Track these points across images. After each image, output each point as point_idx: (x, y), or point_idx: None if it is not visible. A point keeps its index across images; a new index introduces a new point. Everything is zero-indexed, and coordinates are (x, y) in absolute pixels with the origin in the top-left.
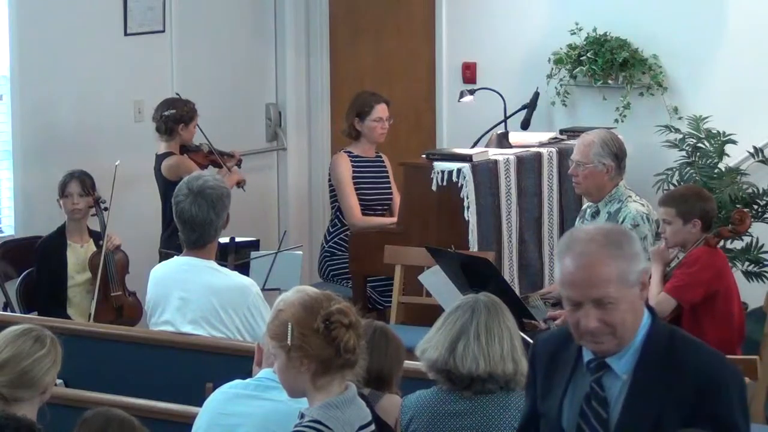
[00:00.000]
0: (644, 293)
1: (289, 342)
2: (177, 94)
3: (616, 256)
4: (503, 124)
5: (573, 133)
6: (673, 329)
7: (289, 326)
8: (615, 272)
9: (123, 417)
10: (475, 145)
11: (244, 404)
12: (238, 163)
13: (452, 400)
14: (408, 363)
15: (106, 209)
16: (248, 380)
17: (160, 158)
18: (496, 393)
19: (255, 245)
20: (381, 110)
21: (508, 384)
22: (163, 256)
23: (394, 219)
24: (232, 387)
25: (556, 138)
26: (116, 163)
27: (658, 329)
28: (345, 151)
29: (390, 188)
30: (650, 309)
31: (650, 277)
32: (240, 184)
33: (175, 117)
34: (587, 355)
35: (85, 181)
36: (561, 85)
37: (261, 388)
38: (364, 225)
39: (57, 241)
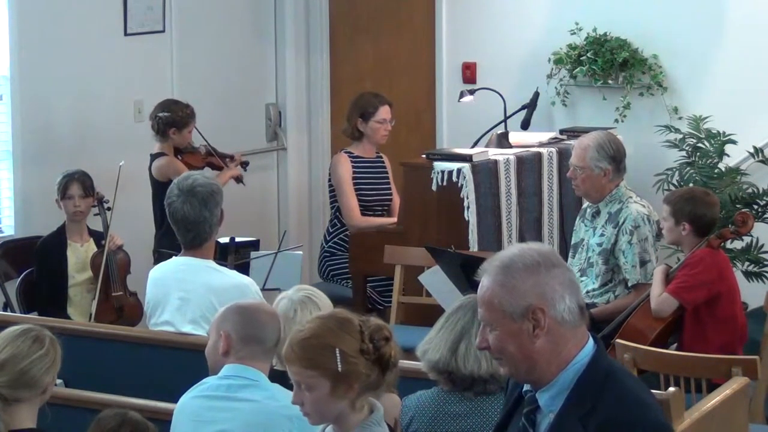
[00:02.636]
0: (541, 332)
1: (339, 368)
2: (169, 102)
3: (501, 284)
4: (503, 124)
5: (573, 133)
6: (612, 372)
7: (337, 352)
8: (495, 299)
9: (138, 420)
10: (475, 145)
11: (221, 409)
12: (243, 165)
13: (453, 401)
14: (408, 363)
15: (109, 209)
16: (216, 380)
17: (152, 158)
18: (497, 394)
19: (255, 245)
20: (384, 112)
21: None
22: (158, 256)
23: (394, 219)
24: (204, 390)
25: (556, 138)
26: (120, 164)
27: (594, 369)
28: (345, 152)
29: (390, 189)
30: (596, 343)
31: (552, 317)
32: (238, 179)
33: (167, 120)
34: (526, 385)
35: (85, 181)
36: (561, 85)
37: (233, 388)
38: (364, 226)
39: (57, 240)
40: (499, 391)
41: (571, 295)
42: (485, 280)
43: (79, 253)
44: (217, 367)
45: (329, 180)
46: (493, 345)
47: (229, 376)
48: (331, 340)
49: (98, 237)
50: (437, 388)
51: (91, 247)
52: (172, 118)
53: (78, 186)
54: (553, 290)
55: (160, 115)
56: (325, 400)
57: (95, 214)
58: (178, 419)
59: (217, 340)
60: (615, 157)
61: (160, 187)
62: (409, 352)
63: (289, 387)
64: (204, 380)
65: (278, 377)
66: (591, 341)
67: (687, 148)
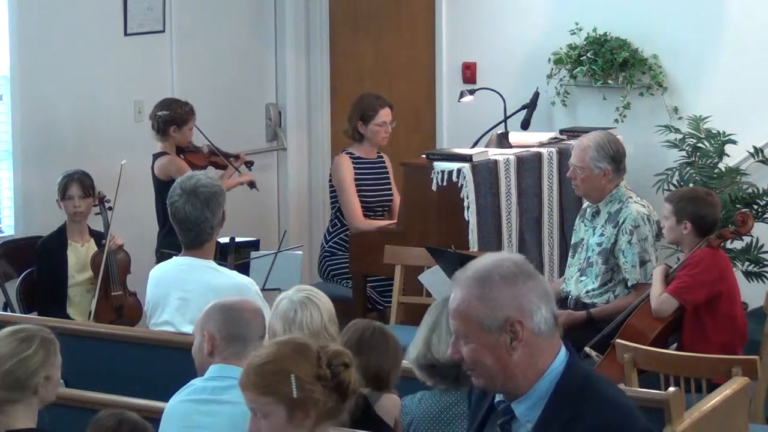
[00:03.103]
0: (519, 344)
1: (294, 395)
2: (168, 101)
3: (475, 296)
4: (503, 124)
5: (573, 133)
6: (589, 379)
7: (292, 378)
8: (471, 312)
9: (136, 420)
10: (475, 145)
11: (207, 413)
12: (248, 165)
13: (452, 402)
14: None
15: (110, 208)
16: (201, 382)
17: (154, 158)
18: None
19: (255, 245)
20: (385, 114)
21: None
22: (160, 256)
23: (394, 222)
24: (190, 394)
25: (556, 138)
26: (122, 162)
27: (569, 377)
28: (346, 152)
29: (390, 189)
30: (569, 351)
31: (530, 328)
32: (252, 184)
33: (166, 118)
34: (498, 395)
35: (84, 182)
36: (561, 85)
37: (218, 390)
38: (366, 228)
39: (57, 240)
40: None
41: (546, 305)
42: (459, 291)
43: (79, 253)
44: (204, 368)
45: (330, 180)
46: (468, 357)
47: (214, 377)
48: (287, 366)
49: (99, 237)
50: (435, 390)
51: (92, 247)
52: (171, 116)
53: (78, 186)
54: (531, 302)
55: (160, 113)
56: (281, 429)
57: (96, 214)
58: (166, 423)
59: (201, 341)
60: (615, 157)
61: (162, 186)
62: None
63: None
64: (191, 382)
65: None
66: (564, 348)
67: (687, 148)
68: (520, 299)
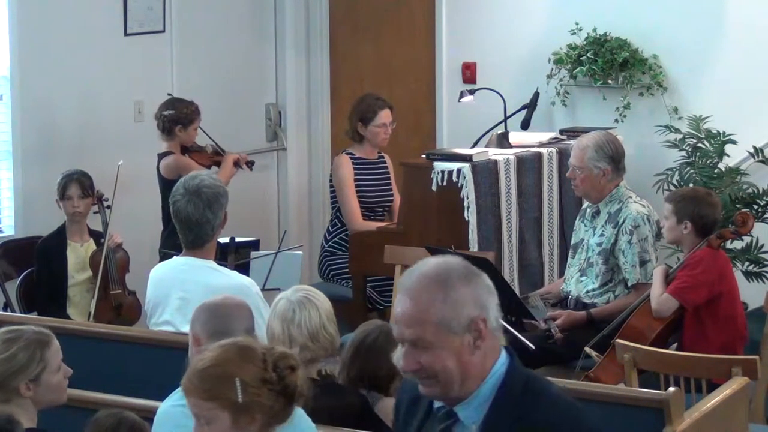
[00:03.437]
0: (482, 343)
1: (239, 399)
2: (169, 94)
3: (439, 299)
4: (503, 124)
5: (573, 133)
6: (529, 378)
7: (237, 382)
8: (434, 316)
9: (134, 420)
10: (475, 145)
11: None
12: (249, 165)
13: None
14: None
15: (108, 207)
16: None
17: (160, 157)
18: None
19: (255, 245)
20: (385, 116)
21: None
22: (164, 256)
23: (393, 224)
24: (180, 398)
25: (556, 138)
26: (119, 163)
27: (513, 378)
28: (346, 153)
29: (391, 190)
30: (509, 353)
31: (489, 326)
32: (249, 163)
33: (172, 118)
34: (437, 402)
35: (83, 182)
36: (561, 85)
37: None
38: (364, 230)
39: (57, 240)
40: None
41: (494, 301)
42: (414, 298)
43: (79, 252)
44: None
45: (330, 180)
46: (430, 365)
47: None
48: (231, 370)
49: (98, 237)
50: None
51: (91, 247)
52: (177, 116)
53: (77, 186)
54: (486, 298)
55: (165, 113)
56: None
57: (95, 212)
58: (158, 428)
59: (192, 344)
60: (613, 157)
61: (168, 186)
62: None
63: None
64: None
65: None
66: (504, 350)
67: (687, 148)
68: (478, 297)
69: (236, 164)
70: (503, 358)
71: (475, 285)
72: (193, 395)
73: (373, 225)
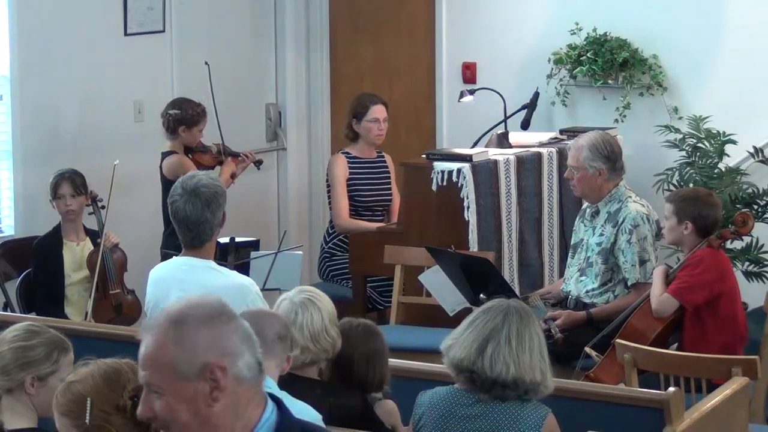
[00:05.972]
0: (220, 394)
1: (87, 421)
2: (180, 101)
3: (174, 340)
4: (503, 124)
5: (573, 133)
6: (304, 427)
7: (88, 402)
8: (164, 357)
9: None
10: (475, 145)
11: None
12: (257, 164)
13: (466, 402)
14: (410, 363)
15: (103, 207)
16: None
17: (162, 156)
18: (511, 401)
19: (255, 245)
20: (377, 111)
21: (527, 393)
22: (165, 256)
23: (382, 225)
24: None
25: (556, 138)
26: (115, 163)
27: (287, 428)
28: (343, 152)
29: (390, 189)
30: (276, 401)
31: (231, 374)
32: (258, 162)
33: (177, 118)
34: None
35: (75, 180)
36: (561, 85)
37: None
38: (350, 227)
39: (53, 240)
40: (515, 399)
41: (250, 349)
42: (151, 337)
43: (75, 252)
44: None
45: (327, 180)
46: (162, 413)
47: None
48: (87, 390)
49: (94, 236)
50: (453, 387)
51: (88, 246)
52: (181, 116)
53: (68, 185)
54: (234, 344)
55: (171, 112)
56: None
57: (89, 213)
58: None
59: None
60: (609, 156)
61: (169, 185)
62: (409, 352)
63: (294, 393)
64: None
65: (286, 382)
66: (270, 400)
67: (687, 148)
68: (220, 342)
69: (233, 176)
70: (270, 406)
71: (218, 328)
72: (55, 409)
73: (358, 223)
